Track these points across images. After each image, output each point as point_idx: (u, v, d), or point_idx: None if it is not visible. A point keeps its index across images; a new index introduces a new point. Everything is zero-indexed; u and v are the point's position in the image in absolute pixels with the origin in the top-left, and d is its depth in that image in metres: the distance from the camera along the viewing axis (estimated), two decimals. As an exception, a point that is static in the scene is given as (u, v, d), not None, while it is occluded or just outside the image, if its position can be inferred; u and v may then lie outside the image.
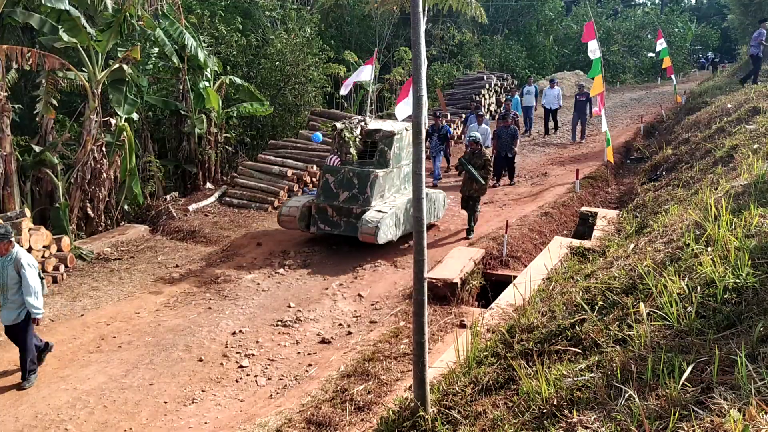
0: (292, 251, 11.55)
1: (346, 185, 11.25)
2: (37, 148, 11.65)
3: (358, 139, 11.34)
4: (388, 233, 10.69)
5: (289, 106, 19.61)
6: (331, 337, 8.32)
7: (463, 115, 20.69)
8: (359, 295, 9.62)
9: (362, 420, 6.26)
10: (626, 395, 3.29)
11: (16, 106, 11.92)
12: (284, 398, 6.88)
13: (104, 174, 12.55)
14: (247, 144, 18.99)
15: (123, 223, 13.29)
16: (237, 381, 7.26)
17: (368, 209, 10.91)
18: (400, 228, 11.10)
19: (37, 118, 12.13)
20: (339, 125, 11.48)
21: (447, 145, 16.64)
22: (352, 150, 11.29)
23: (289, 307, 9.25)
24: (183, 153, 15.68)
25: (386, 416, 5.22)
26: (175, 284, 10.20)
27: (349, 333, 8.45)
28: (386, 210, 10.81)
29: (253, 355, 7.85)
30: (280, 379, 7.34)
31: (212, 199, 14.88)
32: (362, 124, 11.66)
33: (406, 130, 11.78)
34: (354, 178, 11.22)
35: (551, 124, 21.26)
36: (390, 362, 7.40)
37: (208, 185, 15.90)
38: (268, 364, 7.65)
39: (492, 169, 11.84)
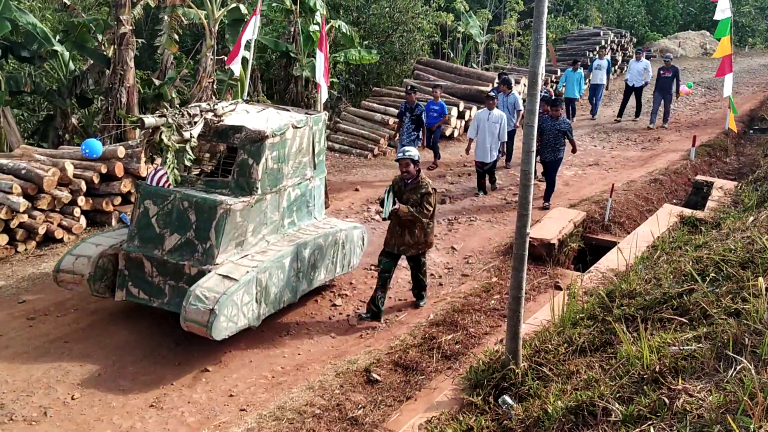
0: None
1: (177, 223, 6.59)
2: (156, 82, 12.21)
3: (192, 145, 6.62)
4: (236, 319, 6.20)
5: (395, 54, 19.48)
6: (423, 286, 8.38)
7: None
8: (452, 248, 9.61)
9: (449, 368, 6.34)
10: (738, 367, 3.13)
11: (139, 40, 12.48)
12: (373, 339, 7.05)
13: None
14: (351, 90, 19.11)
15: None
16: (329, 318, 7.49)
17: (208, 270, 6.35)
18: (267, 304, 6.62)
19: (159, 52, 12.66)
20: (151, 119, 6.38)
21: (421, 130, 12.34)
22: (170, 164, 6.48)
23: (438, 222, 9.34)
24: (289, 95, 15.97)
25: (476, 366, 5.25)
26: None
27: (440, 284, 8.49)
28: (237, 276, 6.27)
29: (346, 295, 8.05)
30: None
31: (314, 142, 15.10)
32: (209, 115, 6.87)
33: (295, 126, 7.22)
34: (189, 210, 6.54)
35: (631, 104, 17.16)
36: (479, 316, 7.41)
37: (312, 128, 16.17)
38: (360, 306, 7.84)
39: (432, 208, 7.17)
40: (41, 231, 8.95)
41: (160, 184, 6.78)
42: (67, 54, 12.04)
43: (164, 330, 6.85)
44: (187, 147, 6.54)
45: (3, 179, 8.86)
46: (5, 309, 7.28)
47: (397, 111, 12.70)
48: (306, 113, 7.82)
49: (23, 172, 9.07)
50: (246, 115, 7.28)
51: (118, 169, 9.85)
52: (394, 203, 7.07)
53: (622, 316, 4.88)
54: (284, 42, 15.39)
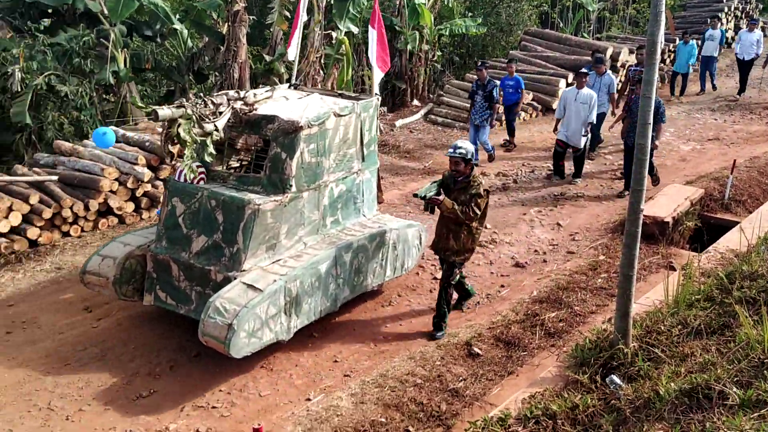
0: (492, 174, 11.49)
1: (204, 223, 6.09)
2: (267, 58, 12.60)
3: (213, 138, 5.98)
4: (260, 334, 5.62)
5: (501, 25, 19.03)
6: (526, 262, 8.28)
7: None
8: (558, 224, 9.39)
9: (552, 345, 6.25)
10: None
11: (250, 17, 12.89)
12: (475, 314, 7.05)
13: (320, 85, 13.30)
14: (455, 63, 18.89)
15: (335, 133, 14.04)
16: (431, 291, 7.54)
17: (234, 277, 5.81)
18: (298, 315, 5.98)
19: (269, 29, 13.04)
20: (167, 110, 5.69)
21: (494, 109, 11.52)
22: (188, 159, 5.89)
23: (486, 228, 9.30)
24: (394, 69, 16.02)
25: (582, 344, 5.15)
26: (382, 193, 10.70)
27: (544, 261, 8.34)
28: (263, 285, 5.66)
29: (448, 269, 8.07)
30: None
31: (418, 116, 15.16)
32: (238, 104, 6.20)
33: (338, 114, 6.50)
34: (216, 210, 6.03)
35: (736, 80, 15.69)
36: (585, 294, 7.24)
37: (415, 102, 16.19)
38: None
39: (481, 209, 6.28)
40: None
41: (188, 180, 6.21)
42: (185, 32, 12.66)
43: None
44: (208, 141, 5.87)
45: (130, 151, 9.51)
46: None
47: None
48: (356, 98, 7.07)
49: (147, 144, 9.68)
50: (282, 103, 6.53)
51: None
52: (438, 193, 6.32)
53: (742, 299, 4.62)
54: (389, 15, 15.41)
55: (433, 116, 15.10)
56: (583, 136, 10.57)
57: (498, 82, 11.63)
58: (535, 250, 8.63)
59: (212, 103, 5.96)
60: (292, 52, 8.31)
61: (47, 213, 8.44)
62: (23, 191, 8.49)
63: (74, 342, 6.32)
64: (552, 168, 11.21)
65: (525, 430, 4.31)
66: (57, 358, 6.05)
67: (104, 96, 12.63)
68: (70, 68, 10.97)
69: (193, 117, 5.76)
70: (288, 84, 7.45)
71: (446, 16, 17.00)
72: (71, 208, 8.66)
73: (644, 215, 8.39)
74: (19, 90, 10.00)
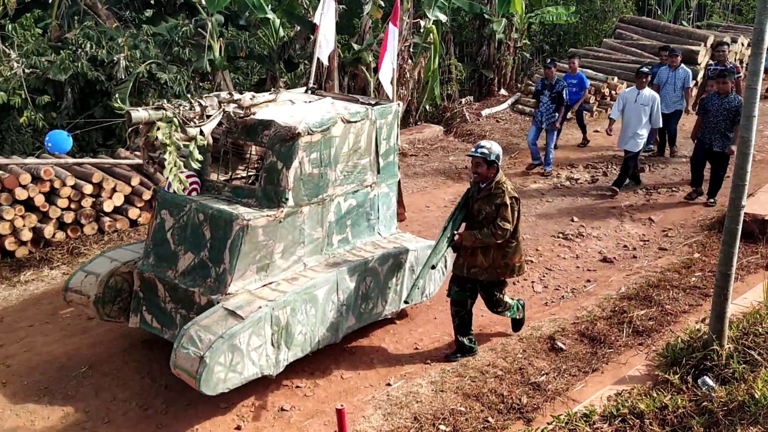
0: (580, 165, 11.19)
1: (192, 239, 5.50)
2: (355, 47, 12.73)
3: (198, 143, 5.22)
4: (241, 368, 4.96)
5: (595, 12, 18.42)
6: (614, 257, 8.04)
7: None
8: (650, 219, 9.06)
9: (639, 344, 6.06)
10: None
11: (341, 6, 13.05)
12: (559, 308, 6.92)
13: (408, 74, 13.32)
14: (544, 51, 18.46)
15: (420, 122, 14.09)
16: (514, 283, 7.45)
17: (217, 300, 5.16)
18: (290, 347, 5.29)
19: (360, 18, 13.16)
20: (142, 112, 5.00)
21: (561, 111, 10.75)
22: (169, 167, 5.03)
23: (572, 221, 9.09)
24: (481, 57, 15.84)
25: (673, 343, 4.97)
26: (463, 184, 10.66)
27: (634, 257, 8.07)
28: (245, 312, 4.98)
29: (531, 261, 7.95)
30: (557, 289, 7.36)
31: (505, 105, 14.94)
32: (231, 107, 5.53)
33: (347, 121, 5.77)
34: (204, 225, 5.42)
35: None
36: (677, 293, 6.97)
37: (502, 91, 15.95)
38: (546, 273, 7.71)
39: (511, 221, 5.51)
40: (252, 184, 9.86)
41: (176, 190, 5.50)
42: (277, 21, 12.95)
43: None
44: (192, 146, 5.14)
45: (222, 137, 9.87)
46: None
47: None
48: (375, 103, 6.35)
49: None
50: (285, 107, 5.88)
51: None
52: (457, 227, 5.62)
53: None
54: (478, 3, 15.23)
55: (520, 106, 14.84)
56: (640, 140, 9.78)
57: (565, 84, 10.82)
58: (625, 246, 8.37)
59: (199, 105, 5.34)
60: (324, 56, 7.95)
61: (147, 195, 8.91)
62: (125, 173, 8.99)
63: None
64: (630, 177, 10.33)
65: (610, 428, 4.21)
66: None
67: (200, 83, 13.15)
68: (169, 57, 11.47)
69: (175, 120, 5.11)
70: (305, 87, 6.84)
71: (537, 4, 16.63)
72: (168, 190, 9.10)
73: (745, 213, 7.99)
74: (123, 77, 10.56)
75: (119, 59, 10.45)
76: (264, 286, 5.35)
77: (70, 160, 8.82)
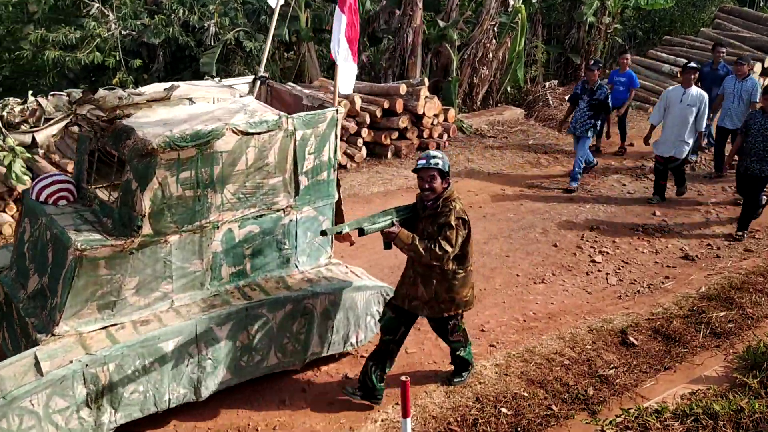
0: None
1: (40, 259, 4.75)
2: (441, 24, 12.60)
3: (24, 155, 4.26)
4: None
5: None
6: (696, 255, 7.72)
7: None
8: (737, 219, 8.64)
9: (716, 346, 5.83)
10: None
11: (428, -18, 12.92)
12: (633, 302, 6.72)
13: (492, 54, 13.10)
14: (637, 38, 17.73)
15: (501, 104, 13.85)
16: (587, 273, 7.29)
17: (41, 340, 4.36)
18: (118, 408, 4.43)
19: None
20: None
21: (604, 119, 9.85)
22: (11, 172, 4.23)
23: (654, 215, 8.77)
24: (570, 41, 15.37)
25: (755, 346, 4.75)
26: (542, 169, 10.44)
27: (718, 256, 7.73)
28: (49, 367, 4.17)
29: (607, 253, 7.74)
30: (632, 284, 7.15)
31: (590, 92, 14.45)
32: (85, 109, 4.56)
33: (240, 132, 4.67)
34: (49, 245, 4.66)
35: None
36: (760, 296, 6.66)
37: (589, 77, 15.44)
38: (622, 266, 7.49)
39: (453, 245, 4.60)
40: (329, 156, 9.97)
41: (41, 197, 4.82)
42: (365, -6, 12.96)
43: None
44: (9, 158, 4.16)
45: (303, 107, 9.99)
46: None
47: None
48: (321, 105, 5.38)
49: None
50: (175, 109, 4.88)
51: (398, 106, 10.49)
52: (392, 224, 4.66)
53: None
54: (571, -15, 14.76)
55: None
56: (688, 144, 8.75)
57: (608, 90, 9.52)
58: (708, 244, 8.02)
59: (38, 104, 4.42)
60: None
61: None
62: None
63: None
64: (654, 188, 9.26)
65: (682, 426, 4.09)
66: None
67: (284, 53, 13.36)
68: (257, 26, 11.69)
69: None
70: (254, 77, 5.78)
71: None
72: (248, 156, 9.30)
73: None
74: (212, 44, 10.84)
75: (209, 25, 10.74)
76: (105, 327, 4.47)
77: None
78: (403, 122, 10.57)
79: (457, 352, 5.21)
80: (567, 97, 11.06)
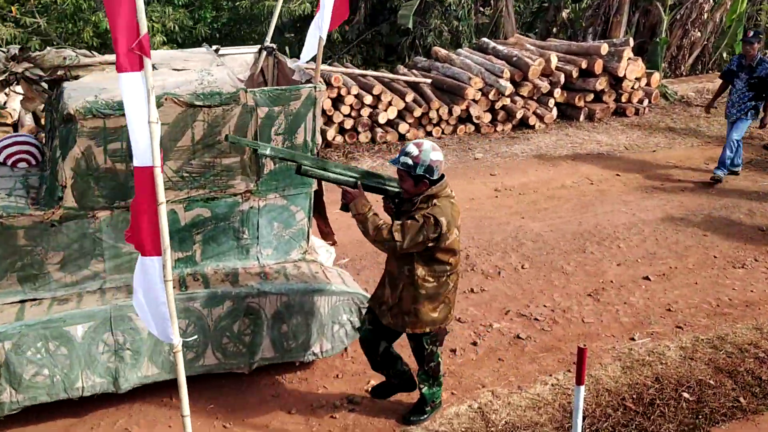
0: None
1: None
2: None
3: None
4: None
5: None
6: None
7: None
8: None
9: None
10: None
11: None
12: None
13: (707, 15, 11.94)
14: None
15: (713, 70, 12.64)
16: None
17: None
18: (19, 389, 4.14)
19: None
20: None
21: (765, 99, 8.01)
22: None
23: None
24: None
25: None
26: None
27: None
28: None
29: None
30: None
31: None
32: (24, 66, 4.41)
33: (184, 104, 4.17)
34: None
35: None
36: None
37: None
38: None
39: (406, 236, 3.75)
40: (518, 115, 9.81)
41: (0, 158, 4.60)
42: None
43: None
44: None
45: (497, 63, 9.88)
46: (481, 177, 8.38)
47: None
48: (308, 81, 4.72)
49: (514, 59, 9.92)
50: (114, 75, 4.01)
51: (597, 66, 9.99)
52: (356, 185, 4.01)
53: None
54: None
55: None
56: None
57: None
58: None
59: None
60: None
61: (417, 112, 9.34)
62: (401, 89, 9.48)
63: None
64: None
65: None
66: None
67: (480, 9, 13.19)
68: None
69: None
70: (260, 47, 5.27)
71: None
72: (437, 110, 9.44)
73: None
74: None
75: (409, -25, 10.82)
76: (23, 301, 4.26)
77: (356, 71, 9.54)
78: (601, 84, 10.05)
79: (421, 386, 4.35)
80: (719, 74, 9.65)
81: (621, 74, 10.07)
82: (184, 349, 4.06)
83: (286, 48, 10.69)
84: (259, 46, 5.26)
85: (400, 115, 9.41)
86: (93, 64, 4.50)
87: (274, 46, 5.30)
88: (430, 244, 3.81)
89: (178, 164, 4.29)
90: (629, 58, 10.12)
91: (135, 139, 3.09)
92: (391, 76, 9.82)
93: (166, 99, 4.09)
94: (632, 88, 10.39)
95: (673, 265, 6.42)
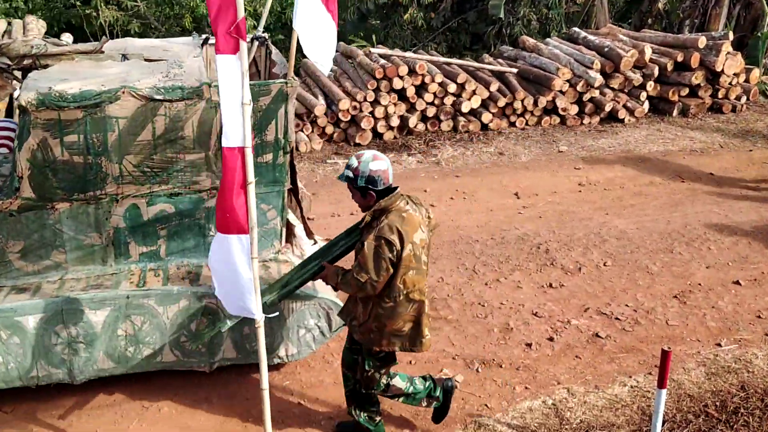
0: None
1: None
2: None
3: None
4: None
5: None
6: None
7: None
8: None
9: None
10: None
11: None
12: None
13: None
14: None
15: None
16: None
17: None
18: None
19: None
20: None
21: None
22: None
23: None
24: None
25: None
26: None
27: None
28: None
29: None
30: None
31: None
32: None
33: (143, 97, 4.08)
34: None
35: None
36: None
37: None
38: None
39: (368, 270, 3.54)
40: (607, 108, 9.53)
41: None
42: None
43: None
44: None
45: (587, 54, 9.61)
46: (564, 171, 8.21)
47: None
48: (284, 75, 4.57)
49: (606, 50, 9.63)
50: (92, 65, 4.44)
51: (694, 60, 9.57)
52: (335, 256, 3.97)
53: None
54: None
55: None
56: None
57: None
58: None
59: None
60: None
61: (501, 101, 9.24)
62: (486, 78, 9.39)
63: (500, 221, 7.00)
64: None
65: None
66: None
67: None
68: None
69: None
70: (252, 37, 5.08)
71: None
72: (522, 101, 9.30)
73: None
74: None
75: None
76: None
77: (441, 59, 9.51)
78: (697, 78, 9.62)
79: (360, 414, 4.11)
80: None
81: (718, 69, 9.60)
82: (140, 345, 4.36)
83: (373, 36, 10.78)
84: (251, 36, 5.01)
85: (484, 105, 9.33)
86: (63, 53, 4.46)
87: (267, 35, 5.14)
88: (395, 261, 3.60)
89: (138, 159, 4.25)
90: (728, 53, 9.63)
91: (227, 120, 3.24)
92: (476, 64, 9.73)
93: (123, 92, 4.04)
94: (730, 83, 9.90)
95: (766, 270, 6.12)
